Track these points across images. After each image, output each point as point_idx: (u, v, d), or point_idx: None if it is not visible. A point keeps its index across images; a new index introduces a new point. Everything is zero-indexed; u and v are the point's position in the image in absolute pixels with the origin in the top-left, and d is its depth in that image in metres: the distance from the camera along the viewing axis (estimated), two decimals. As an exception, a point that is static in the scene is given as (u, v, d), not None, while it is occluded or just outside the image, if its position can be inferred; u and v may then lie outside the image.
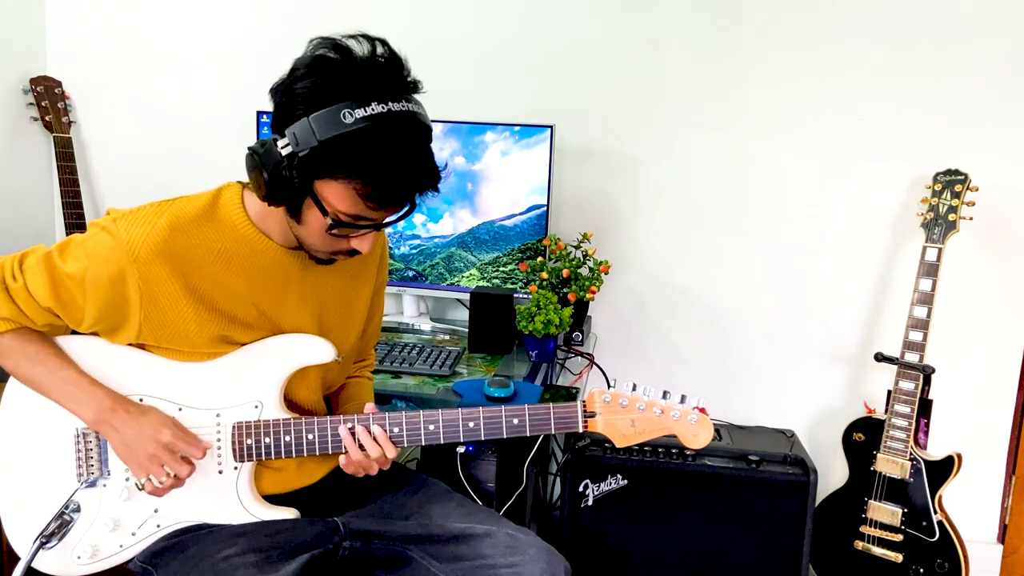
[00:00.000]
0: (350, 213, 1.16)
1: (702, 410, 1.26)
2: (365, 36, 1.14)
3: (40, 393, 1.30)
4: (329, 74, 1.11)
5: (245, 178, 1.30)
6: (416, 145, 1.14)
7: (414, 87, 1.16)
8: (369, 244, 1.23)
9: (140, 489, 1.27)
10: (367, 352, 1.60)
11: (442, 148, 2.18)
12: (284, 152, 1.12)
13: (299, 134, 1.11)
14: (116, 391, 1.29)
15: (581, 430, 1.28)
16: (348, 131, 1.09)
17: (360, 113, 1.09)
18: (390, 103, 1.11)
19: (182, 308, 1.25)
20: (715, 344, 2.40)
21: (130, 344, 1.31)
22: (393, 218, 1.21)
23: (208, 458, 1.30)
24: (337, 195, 1.14)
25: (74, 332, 1.33)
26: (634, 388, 1.28)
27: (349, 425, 1.29)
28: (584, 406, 1.28)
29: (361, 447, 1.28)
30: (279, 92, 1.15)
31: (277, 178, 1.14)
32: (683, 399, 1.27)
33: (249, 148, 1.16)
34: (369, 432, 1.28)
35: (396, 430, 1.29)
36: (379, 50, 1.14)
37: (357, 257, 1.39)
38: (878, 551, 2.13)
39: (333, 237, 1.20)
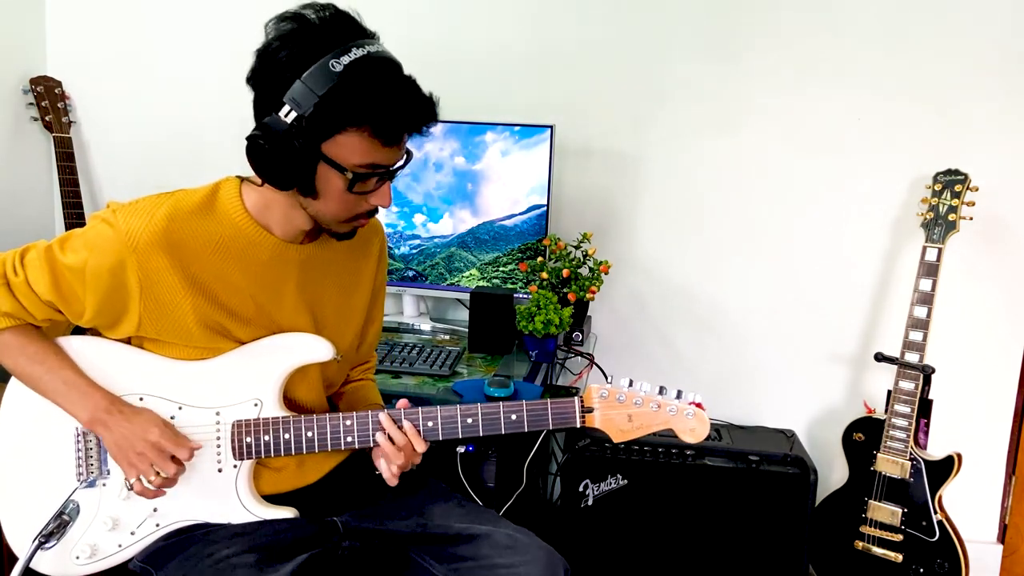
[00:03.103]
0: (365, 163, 1.17)
1: (699, 405, 1.27)
2: (310, 4, 1.17)
3: (37, 392, 1.30)
4: (301, 38, 1.13)
5: (244, 174, 1.30)
6: (403, 77, 1.17)
7: (372, 34, 1.19)
8: (389, 197, 1.24)
9: (130, 490, 1.27)
10: (369, 355, 1.60)
11: (442, 148, 2.18)
12: (289, 119, 1.12)
13: (298, 96, 1.12)
14: (113, 392, 1.29)
15: (579, 425, 1.28)
16: (342, 78, 1.11)
17: (346, 59, 1.12)
18: (366, 46, 1.14)
19: (181, 298, 1.25)
20: (715, 344, 2.40)
21: (129, 339, 1.31)
22: (401, 163, 1.22)
23: (207, 456, 1.30)
24: (349, 147, 1.15)
25: (75, 330, 1.33)
26: (631, 384, 1.28)
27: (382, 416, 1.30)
28: (582, 401, 1.28)
29: (391, 440, 1.29)
30: (258, 75, 1.16)
31: (287, 152, 1.14)
32: (679, 394, 1.28)
33: (248, 136, 1.16)
34: (398, 425, 1.30)
35: (395, 429, 1.30)
36: (329, 11, 1.17)
37: (356, 252, 1.40)
38: (878, 551, 2.13)
39: (354, 198, 1.21)
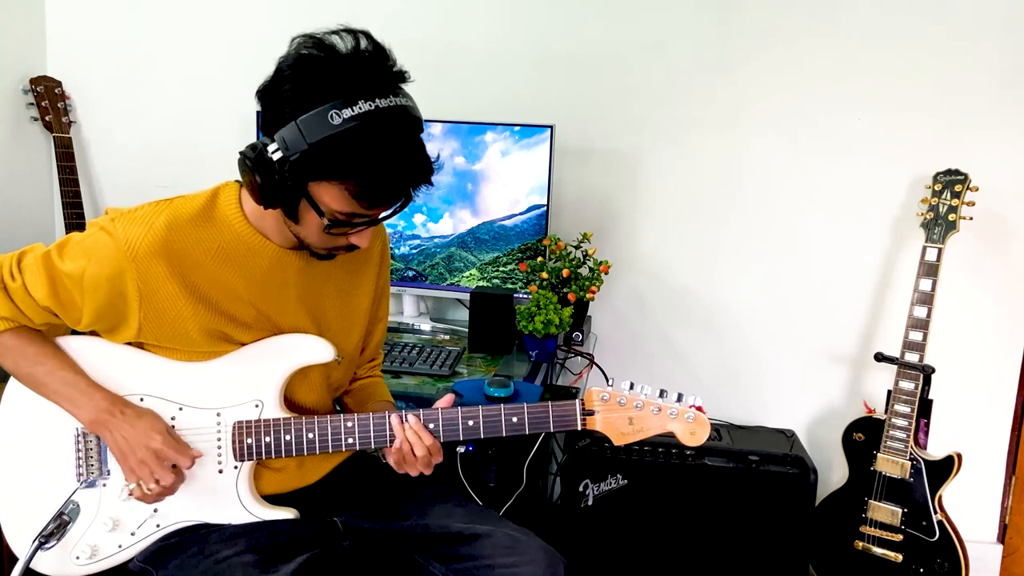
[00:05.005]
0: (345, 212, 1.16)
1: (699, 408, 1.26)
2: (348, 30, 1.13)
3: (38, 393, 1.29)
4: (313, 74, 1.10)
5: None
6: (406, 140, 1.14)
7: (400, 78, 1.15)
8: (367, 239, 1.23)
9: (130, 495, 1.27)
10: (376, 352, 1.60)
11: (442, 148, 2.18)
12: (275, 157, 1.11)
13: (288, 138, 1.10)
14: (115, 392, 1.29)
15: (580, 428, 1.28)
16: (337, 132, 1.08)
17: (348, 113, 1.08)
18: (377, 99, 1.09)
19: (181, 307, 1.24)
20: (715, 344, 2.40)
21: (129, 343, 1.31)
22: (388, 212, 1.20)
23: (208, 457, 1.30)
24: (331, 196, 1.14)
25: (73, 332, 1.33)
26: (631, 387, 1.28)
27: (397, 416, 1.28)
28: (583, 404, 1.28)
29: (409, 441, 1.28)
30: (265, 95, 1.14)
31: (270, 182, 1.13)
32: (680, 398, 1.27)
33: (240, 153, 1.15)
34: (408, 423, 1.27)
35: (396, 429, 1.29)
36: (363, 44, 1.13)
37: (357, 256, 1.39)
38: (878, 551, 2.13)
39: (331, 235, 1.21)
